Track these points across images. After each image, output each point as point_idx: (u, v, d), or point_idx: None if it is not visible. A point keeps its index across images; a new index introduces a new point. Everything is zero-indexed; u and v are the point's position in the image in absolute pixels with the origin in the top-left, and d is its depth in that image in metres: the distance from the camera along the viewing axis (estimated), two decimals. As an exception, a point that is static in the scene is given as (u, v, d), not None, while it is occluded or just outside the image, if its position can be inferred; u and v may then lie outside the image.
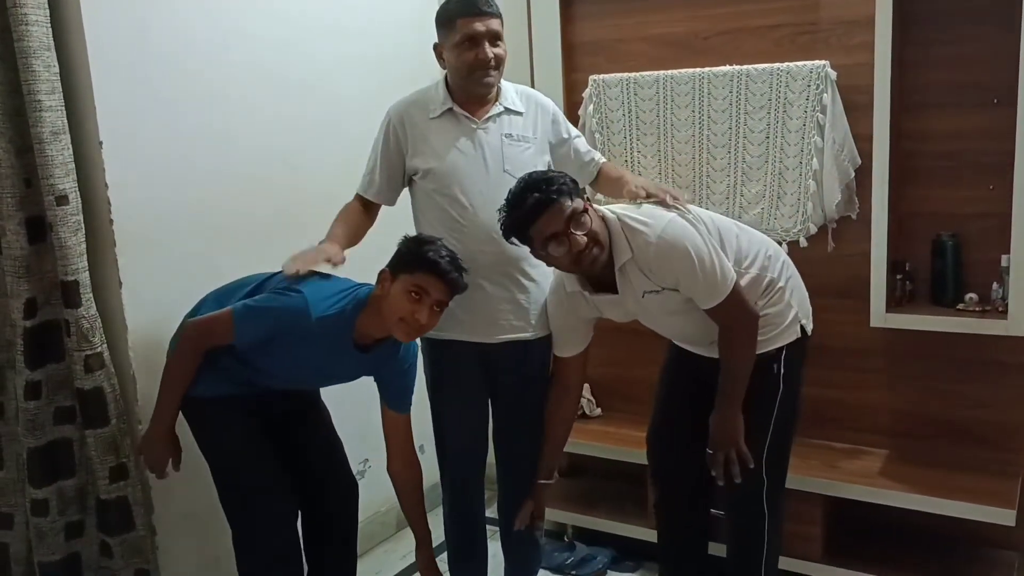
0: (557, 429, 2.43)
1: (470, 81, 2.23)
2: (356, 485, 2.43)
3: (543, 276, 2.37)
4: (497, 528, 2.61)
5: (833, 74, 2.59)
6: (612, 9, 2.96)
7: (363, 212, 2.38)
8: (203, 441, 2.20)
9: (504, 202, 2.09)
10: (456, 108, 2.27)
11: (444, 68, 2.30)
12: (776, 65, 2.65)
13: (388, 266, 2.12)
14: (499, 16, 2.23)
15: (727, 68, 2.72)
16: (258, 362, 2.12)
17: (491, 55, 2.20)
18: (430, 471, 2.47)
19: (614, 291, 2.17)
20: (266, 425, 2.24)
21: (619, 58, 2.97)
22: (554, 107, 2.44)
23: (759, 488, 2.28)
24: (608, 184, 2.49)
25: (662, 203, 2.20)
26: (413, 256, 2.09)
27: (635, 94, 2.85)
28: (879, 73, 2.45)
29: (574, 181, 2.12)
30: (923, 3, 2.49)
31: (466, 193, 2.25)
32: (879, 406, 2.80)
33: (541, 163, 2.34)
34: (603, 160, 2.52)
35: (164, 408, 2.11)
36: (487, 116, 2.29)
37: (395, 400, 2.29)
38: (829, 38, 2.66)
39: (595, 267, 2.09)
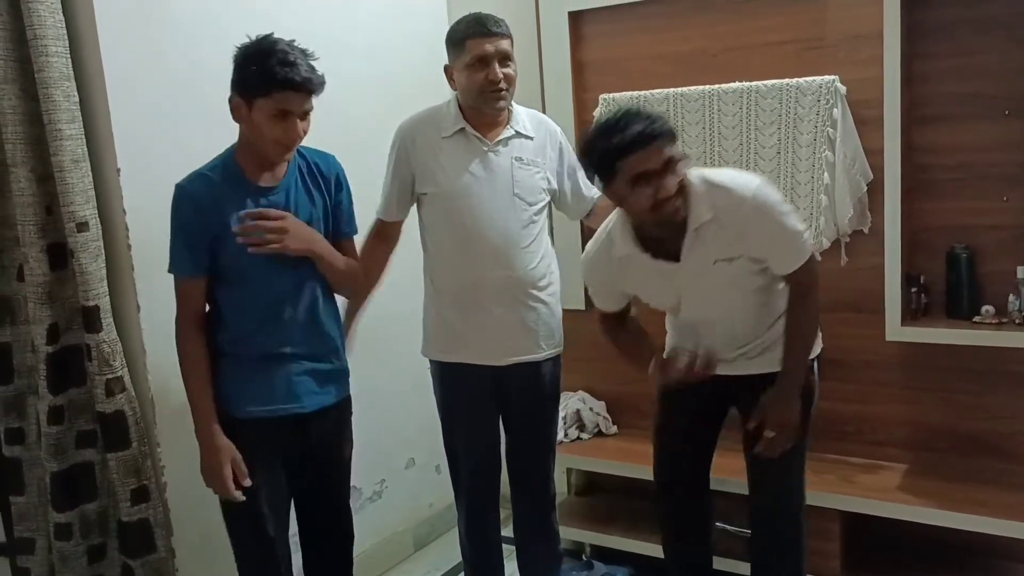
0: None
1: (481, 102, 2.24)
2: (352, 537, 2.33)
3: (551, 296, 2.39)
4: (513, 547, 2.61)
5: (843, 89, 2.60)
6: (621, 28, 2.99)
7: (384, 243, 2.41)
8: None
9: (595, 124, 2.06)
10: (468, 128, 2.28)
11: (455, 90, 2.31)
12: (786, 81, 2.66)
13: (235, 90, 1.98)
14: (509, 36, 2.25)
15: (737, 85, 2.73)
16: (232, 298, 2.04)
17: (501, 75, 2.21)
18: (446, 493, 2.47)
19: (673, 260, 2.07)
20: (284, 459, 2.15)
21: (629, 76, 2.99)
22: (562, 135, 2.47)
23: (800, 501, 2.31)
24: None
25: None
26: (262, 77, 1.92)
27: (646, 112, 2.87)
28: (889, 87, 2.46)
29: (673, 131, 1.98)
30: (931, 15, 2.50)
31: (475, 216, 2.26)
32: (896, 420, 2.78)
33: (550, 189, 2.39)
34: (600, 195, 2.52)
35: (199, 414, 2.03)
36: (498, 139, 2.30)
37: (346, 225, 2.20)
38: (837, 53, 2.67)
39: (675, 218, 1.98)
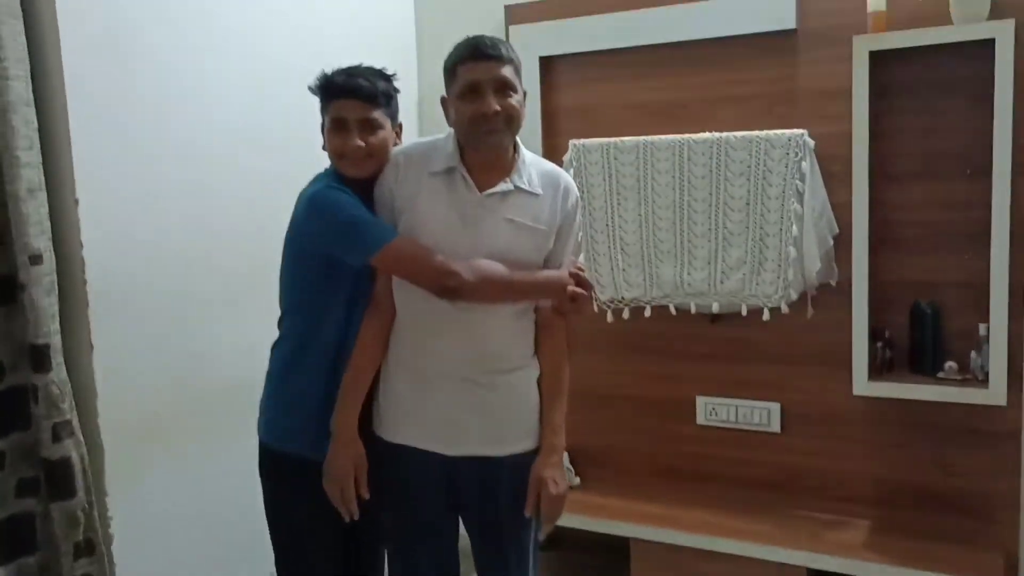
0: None
1: (473, 137, 1.88)
2: None
3: (523, 380, 2.00)
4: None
5: (811, 143, 2.64)
6: (591, 76, 3.00)
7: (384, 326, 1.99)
8: (277, 503, 2.07)
9: None
10: (460, 169, 1.91)
11: (451, 125, 1.97)
12: (756, 133, 2.68)
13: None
14: (511, 62, 1.88)
15: (707, 135, 2.74)
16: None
17: (496, 107, 1.84)
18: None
19: None
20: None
21: (598, 123, 2.99)
22: (577, 199, 2.04)
23: None
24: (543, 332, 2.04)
25: None
26: (319, 92, 1.99)
27: (615, 159, 2.86)
28: (857, 143, 2.50)
29: None
30: (897, 75, 2.55)
31: None
32: (860, 475, 2.78)
33: (541, 254, 1.98)
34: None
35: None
36: (492, 191, 1.91)
37: None
38: (805, 108, 2.71)
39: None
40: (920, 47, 2.44)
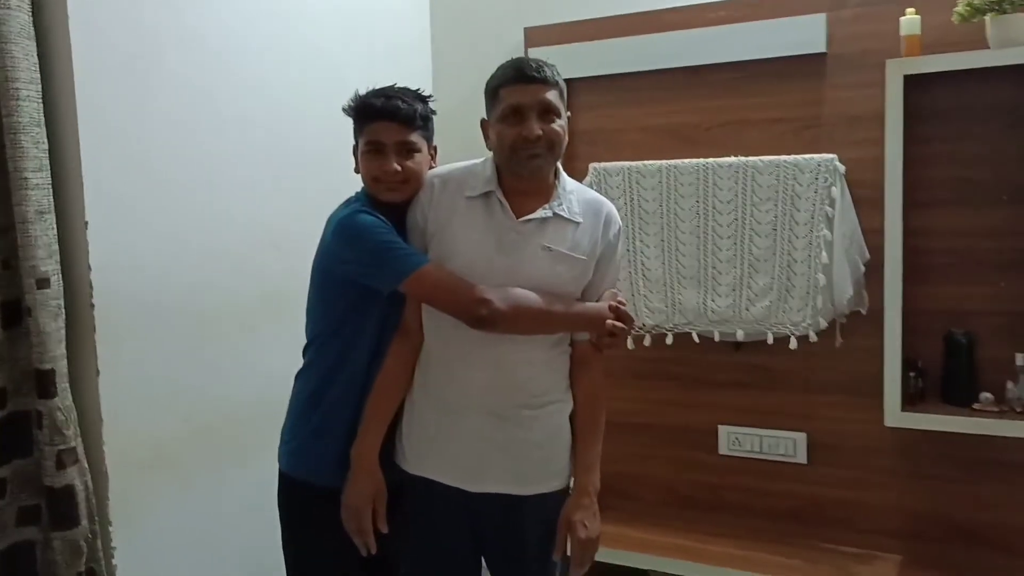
0: None
1: (513, 162, 1.80)
2: None
3: (555, 415, 1.91)
4: None
5: (842, 168, 2.56)
6: (611, 99, 2.94)
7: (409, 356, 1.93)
8: (295, 534, 1.99)
9: None
10: (497, 194, 1.84)
11: (490, 149, 1.90)
12: (783, 157, 2.61)
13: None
14: (555, 86, 1.80)
15: (732, 159, 2.68)
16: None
17: (538, 131, 1.76)
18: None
19: None
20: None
21: (618, 147, 2.93)
22: (620, 230, 1.95)
23: None
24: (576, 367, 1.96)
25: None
26: (354, 114, 1.92)
27: (637, 183, 2.80)
28: (890, 169, 2.42)
29: None
30: (929, 100, 2.48)
31: None
32: (891, 508, 2.68)
33: (579, 285, 1.90)
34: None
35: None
36: (530, 217, 1.83)
37: None
38: (833, 133, 2.64)
39: None
40: (953, 71, 2.36)
